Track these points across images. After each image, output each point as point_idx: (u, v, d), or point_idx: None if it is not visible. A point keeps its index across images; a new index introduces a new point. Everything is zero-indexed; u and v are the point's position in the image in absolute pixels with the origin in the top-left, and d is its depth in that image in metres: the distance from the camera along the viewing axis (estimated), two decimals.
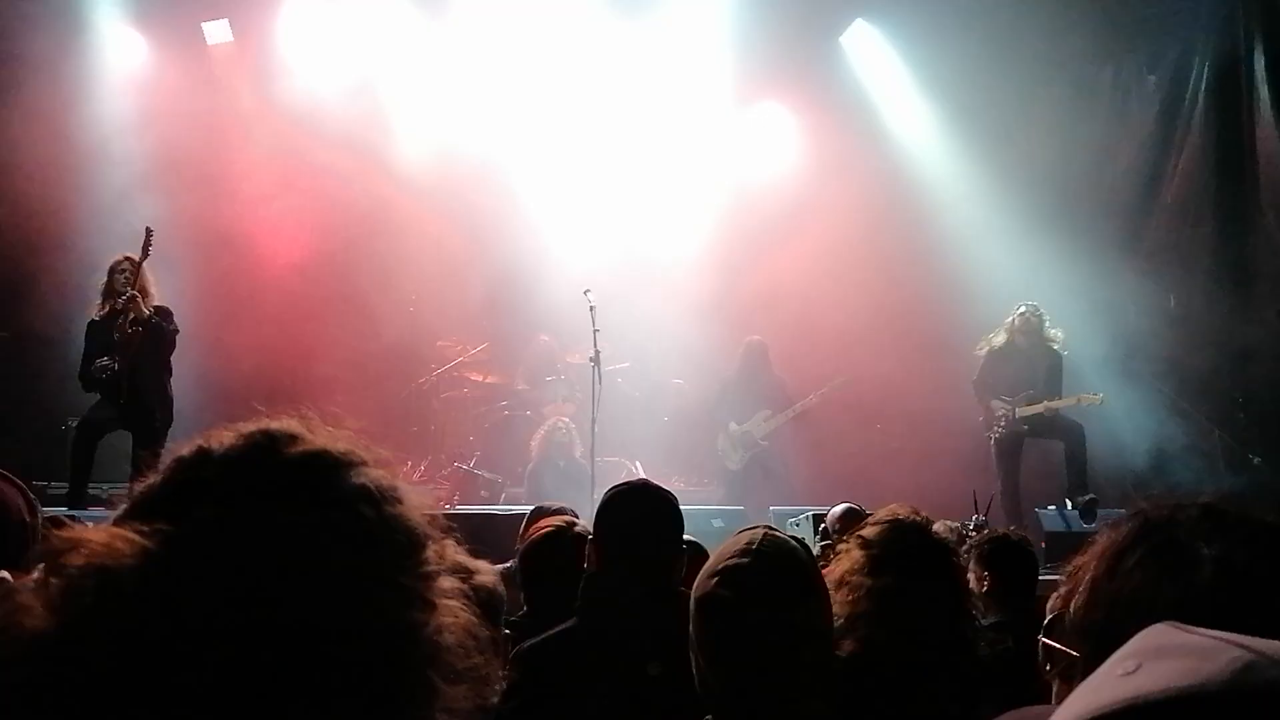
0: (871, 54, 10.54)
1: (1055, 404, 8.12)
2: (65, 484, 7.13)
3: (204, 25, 10.03)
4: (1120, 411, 8.63)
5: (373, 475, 0.81)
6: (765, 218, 10.30)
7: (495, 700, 0.78)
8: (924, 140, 10.28)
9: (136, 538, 0.72)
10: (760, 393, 9.10)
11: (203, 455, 0.81)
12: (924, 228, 9.86)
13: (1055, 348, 8.34)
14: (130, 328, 6.83)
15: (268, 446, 0.80)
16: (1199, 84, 9.48)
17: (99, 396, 7.06)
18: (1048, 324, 8.31)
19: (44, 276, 8.87)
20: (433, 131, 10.34)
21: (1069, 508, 7.96)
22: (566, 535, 3.17)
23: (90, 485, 7.00)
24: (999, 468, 8.32)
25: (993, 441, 8.37)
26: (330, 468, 0.79)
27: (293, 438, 0.80)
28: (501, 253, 9.68)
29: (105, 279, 7.09)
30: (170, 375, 7.19)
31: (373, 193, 10.11)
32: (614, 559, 2.73)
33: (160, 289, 7.23)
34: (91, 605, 0.69)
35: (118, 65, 9.87)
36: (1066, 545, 6.19)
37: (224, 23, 10.07)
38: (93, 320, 7.12)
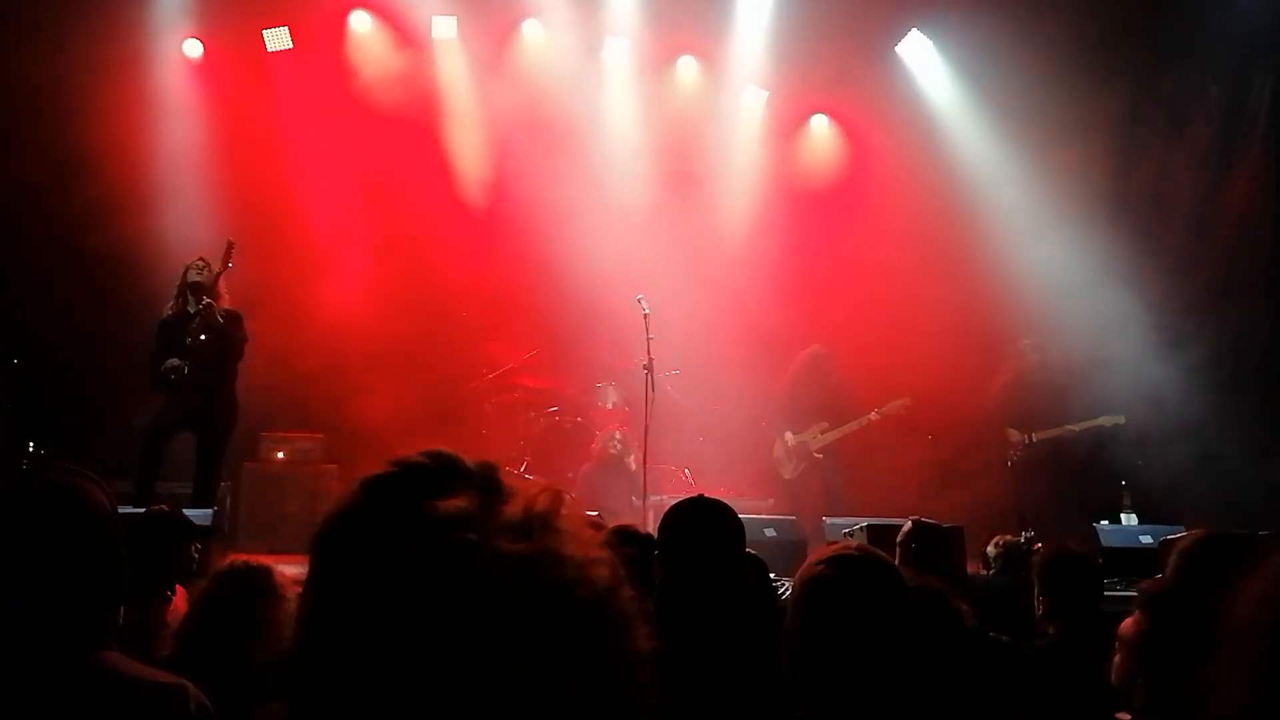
0: (928, 63, 10.49)
1: (1075, 426, 8.27)
2: (129, 482, 7.27)
3: (265, 32, 10.21)
4: (1180, 428, 8.52)
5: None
6: (823, 229, 10.30)
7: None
8: (980, 149, 10.20)
9: None
10: (819, 403, 9.09)
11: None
12: (979, 238, 9.79)
13: (1067, 374, 8.45)
14: (202, 333, 6.97)
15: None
16: (1261, 96, 9.32)
17: (165, 397, 7.19)
18: (1052, 353, 8.58)
19: (108, 276, 9.08)
20: (485, 135, 10.45)
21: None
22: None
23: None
24: (1020, 490, 8.42)
25: (1009, 465, 8.47)
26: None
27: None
28: (554, 257, 9.74)
29: (180, 279, 7.24)
30: (236, 379, 7.33)
31: (425, 197, 10.22)
32: (679, 571, 2.80)
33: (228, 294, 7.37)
34: None
35: (181, 72, 10.07)
36: (1126, 560, 6.19)
37: (284, 30, 10.24)
38: (164, 319, 7.26)
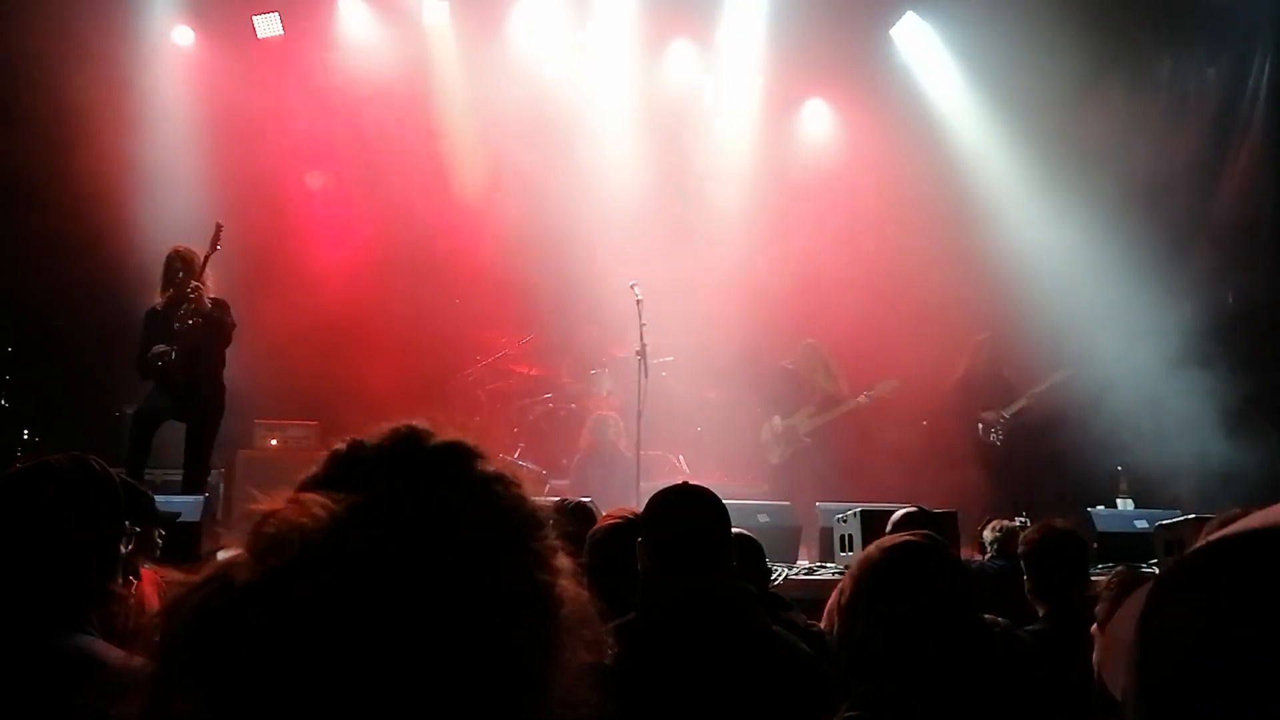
0: (924, 46, 10.43)
1: (1035, 390, 8.86)
2: (120, 469, 7.21)
3: (255, 19, 10.15)
4: (1174, 409, 8.49)
5: (497, 462, 0.93)
6: (816, 214, 10.26)
7: (609, 661, 0.86)
8: (977, 133, 10.15)
9: (328, 503, 0.81)
10: (809, 393, 9.08)
11: (358, 446, 0.92)
12: (976, 223, 9.76)
13: (1013, 364, 9.00)
14: (190, 318, 6.89)
15: (413, 438, 0.92)
16: (1260, 79, 9.26)
17: (154, 385, 7.13)
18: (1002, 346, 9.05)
19: (99, 264, 9.04)
20: (477, 120, 10.40)
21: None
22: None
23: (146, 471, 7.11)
24: (1009, 470, 8.59)
25: (997, 441, 8.69)
26: (468, 455, 0.91)
27: (431, 432, 0.93)
28: (549, 244, 9.71)
29: (164, 268, 7.16)
30: (224, 366, 7.26)
31: (419, 185, 10.18)
32: (664, 558, 2.79)
33: (215, 281, 7.29)
34: (293, 558, 0.78)
35: (171, 58, 10.02)
36: (1121, 545, 6.16)
37: (274, 16, 10.18)
38: (152, 308, 7.17)
